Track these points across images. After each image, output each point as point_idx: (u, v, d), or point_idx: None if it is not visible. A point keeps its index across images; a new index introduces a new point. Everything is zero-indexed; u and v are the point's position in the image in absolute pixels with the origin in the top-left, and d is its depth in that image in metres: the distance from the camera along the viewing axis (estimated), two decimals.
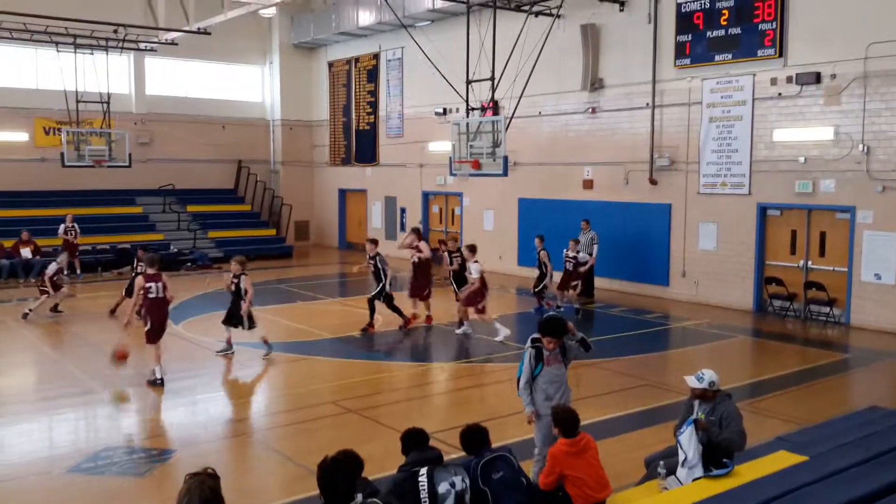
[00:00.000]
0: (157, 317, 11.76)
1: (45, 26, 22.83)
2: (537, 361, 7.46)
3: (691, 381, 6.78)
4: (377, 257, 15.40)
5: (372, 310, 15.38)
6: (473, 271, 15.03)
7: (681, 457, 6.48)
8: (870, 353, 13.95)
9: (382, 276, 15.25)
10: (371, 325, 15.40)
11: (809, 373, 12.62)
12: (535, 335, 7.51)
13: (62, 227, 22.74)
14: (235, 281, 13.18)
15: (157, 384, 11.50)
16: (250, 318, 13.21)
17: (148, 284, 11.68)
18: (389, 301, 15.41)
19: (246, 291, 13.03)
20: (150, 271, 11.93)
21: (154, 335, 11.71)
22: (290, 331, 15.79)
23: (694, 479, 6.32)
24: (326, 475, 4.50)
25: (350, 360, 13.31)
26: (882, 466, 6.23)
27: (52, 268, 17.29)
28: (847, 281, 16.12)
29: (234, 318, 13.25)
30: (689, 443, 6.43)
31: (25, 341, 14.92)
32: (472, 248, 15.58)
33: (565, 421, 6.38)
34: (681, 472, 6.45)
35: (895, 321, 15.33)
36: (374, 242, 15.74)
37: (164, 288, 11.76)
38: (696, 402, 6.83)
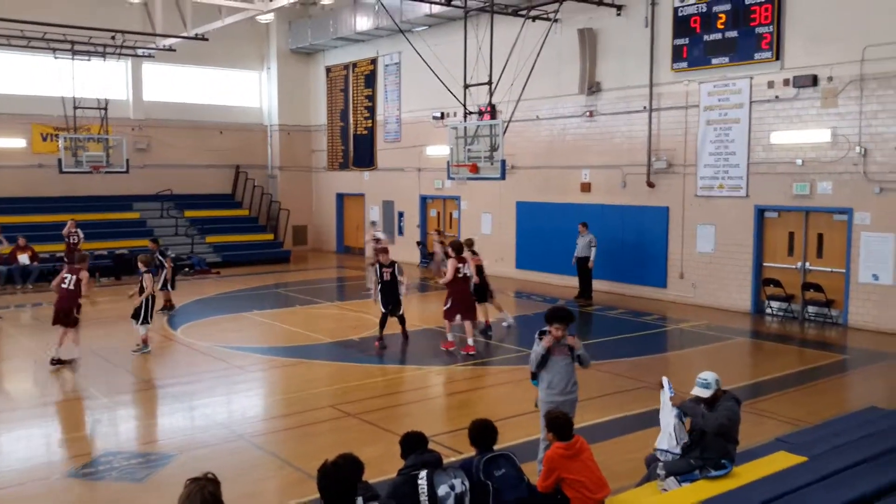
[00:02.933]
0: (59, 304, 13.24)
1: (43, 33, 22.85)
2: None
3: (700, 392, 6.70)
4: (394, 265, 14.47)
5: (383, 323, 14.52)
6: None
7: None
8: (868, 354, 13.96)
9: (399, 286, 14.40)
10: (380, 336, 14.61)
11: (808, 374, 12.64)
12: (544, 328, 7.65)
13: (65, 229, 22.75)
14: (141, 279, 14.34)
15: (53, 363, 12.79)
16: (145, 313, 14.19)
17: (65, 276, 13.28)
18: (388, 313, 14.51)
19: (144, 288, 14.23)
20: (77, 266, 13.45)
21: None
22: (288, 335, 15.80)
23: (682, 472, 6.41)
24: (327, 479, 4.51)
25: (348, 364, 13.30)
26: (881, 467, 6.25)
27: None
28: (845, 282, 16.14)
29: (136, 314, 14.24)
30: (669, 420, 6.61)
31: (24, 347, 14.91)
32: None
33: (559, 426, 6.39)
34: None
35: (893, 322, 15.36)
36: (386, 251, 14.79)
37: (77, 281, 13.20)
38: (702, 407, 6.81)
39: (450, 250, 14.68)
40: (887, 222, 15.36)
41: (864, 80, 15.49)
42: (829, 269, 16.56)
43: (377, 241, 19.37)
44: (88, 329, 16.23)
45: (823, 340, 15.30)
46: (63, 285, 13.16)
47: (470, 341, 13.89)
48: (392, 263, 14.54)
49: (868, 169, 15.58)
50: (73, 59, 23.82)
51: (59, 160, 23.70)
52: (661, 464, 6.64)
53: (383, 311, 14.41)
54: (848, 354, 14.19)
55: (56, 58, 23.91)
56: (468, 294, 14.33)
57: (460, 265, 14.06)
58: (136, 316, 14.18)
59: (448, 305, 14.09)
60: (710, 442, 6.61)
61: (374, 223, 22.89)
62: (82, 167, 23.80)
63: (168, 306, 17.75)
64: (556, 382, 7.58)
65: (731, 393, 6.84)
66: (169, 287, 17.76)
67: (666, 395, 6.87)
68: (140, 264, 14.60)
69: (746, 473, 6.35)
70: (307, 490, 7.36)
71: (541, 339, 7.62)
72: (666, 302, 19.04)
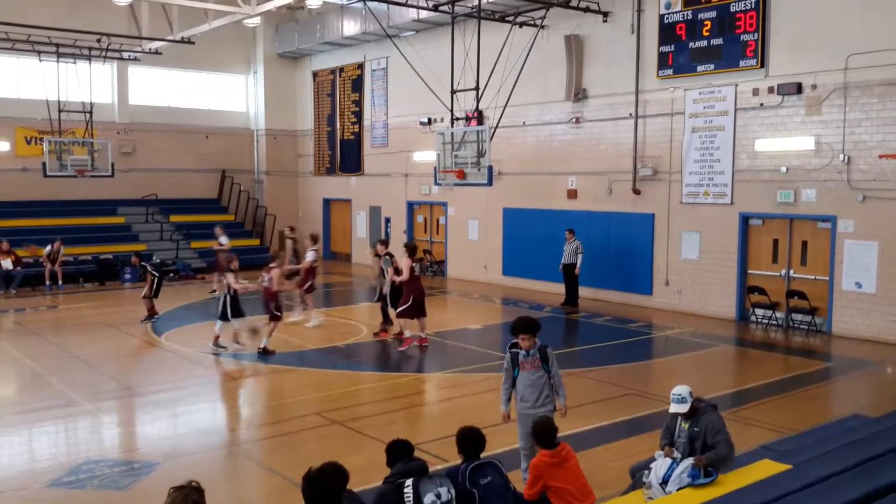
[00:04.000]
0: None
1: (28, 35, 22.72)
2: (513, 366, 7.62)
3: (677, 408, 6.71)
4: (384, 257, 15.44)
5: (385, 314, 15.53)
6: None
7: (653, 475, 6.51)
8: (851, 362, 14.05)
9: (384, 276, 15.28)
10: (384, 330, 15.58)
11: (792, 381, 12.69)
12: (514, 340, 7.65)
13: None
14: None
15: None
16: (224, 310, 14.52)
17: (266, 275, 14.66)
18: (384, 303, 15.53)
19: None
20: (273, 265, 14.84)
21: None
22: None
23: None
24: (311, 487, 4.48)
25: (334, 371, 13.26)
26: (865, 474, 6.27)
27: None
28: (829, 290, 16.24)
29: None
30: (663, 471, 6.45)
31: (6, 354, 14.74)
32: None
33: (544, 434, 6.39)
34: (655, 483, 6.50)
35: (876, 330, 15.46)
36: (385, 243, 15.97)
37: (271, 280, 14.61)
38: (679, 419, 6.83)
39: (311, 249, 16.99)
40: (870, 230, 15.47)
41: (847, 88, 15.61)
42: (813, 277, 16.66)
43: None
44: (69, 335, 16.14)
45: (807, 348, 15.38)
46: (265, 284, 14.59)
47: (422, 334, 14.81)
48: (383, 255, 15.51)
49: (852, 177, 15.69)
50: (57, 61, 23.68)
51: (44, 164, 23.54)
52: (646, 472, 6.63)
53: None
54: (832, 362, 14.27)
55: (41, 60, 23.77)
56: (422, 293, 14.91)
57: (415, 264, 14.71)
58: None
59: (406, 305, 14.53)
60: (699, 451, 6.62)
61: (221, 227, 22.56)
62: (67, 171, 23.65)
63: (150, 315, 17.55)
64: (528, 396, 7.59)
65: (707, 402, 6.86)
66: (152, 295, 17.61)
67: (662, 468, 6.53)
68: (226, 263, 15.29)
69: (731, 481, 6.36)
70: (292, 499, 7.32)
71: (511, 352, 7.66)
72: (651, 309, 19.09)
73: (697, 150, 18.21)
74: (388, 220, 27.95)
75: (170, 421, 10.74)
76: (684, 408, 6.66)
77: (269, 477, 8.57)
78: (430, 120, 24.69)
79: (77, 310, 19.45)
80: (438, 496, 5.59)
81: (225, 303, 14.30)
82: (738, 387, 12.41)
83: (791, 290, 16.86)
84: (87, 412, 10.98)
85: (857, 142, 15.59)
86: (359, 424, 10.27)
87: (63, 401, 11.40)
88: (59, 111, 23.62)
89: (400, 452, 5.93)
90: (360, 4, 24.38)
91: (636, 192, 19.51)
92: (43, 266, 22.70)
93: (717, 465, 6.47)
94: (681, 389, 6.70)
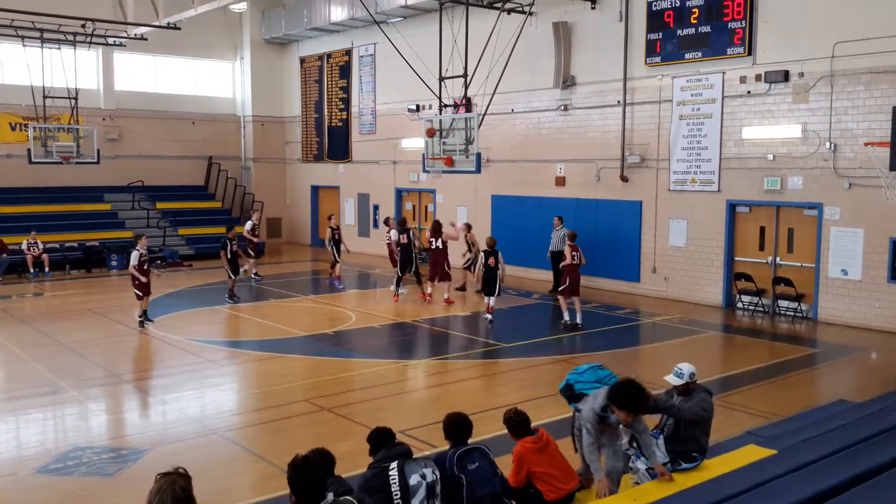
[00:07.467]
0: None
1: (11, 20, 22.43)
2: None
3: (672, 379, 6.72)
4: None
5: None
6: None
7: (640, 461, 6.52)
8: (837, 348, 14.16)
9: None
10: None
11: (778, 367, 12.79)
12: (604, 403, 6.28)
13: (249, 223, 22.56)
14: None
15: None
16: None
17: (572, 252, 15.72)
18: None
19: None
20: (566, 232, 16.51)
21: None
22: (262, 329, 15.70)
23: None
24: (296, 473, 4.47)
25: (323, 358, 13.25)
26: (849, 459, 6.33)
27: (134, 256, 15.39)
28: (815, 277, 16.34)
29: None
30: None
31: None
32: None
33: (519, 425, 6.42)
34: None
35: (861, 316, 15.58)
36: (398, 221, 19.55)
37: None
38: (674, 395, 6.83)
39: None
40: (856, 217, 15.57)
41: (834, 76, 15.66)
42: (800, 264, 16.76)
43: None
44: (55, 322, 16.05)
45: (793, 334, 15.50)
46: (574, 258, 15.60)
47: (445, 295, 17.82)
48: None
49: (838, 164, 15.77)
50: (42, 47, 23.43)
51: (29, 150, 23.32)
52: (633, 457, 6.67)
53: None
54: (817, 348, 14.38)
55: (25, 46, 23.50)
56: (439, 261, 17.68)
57: (432, 239, 17.65)
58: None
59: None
60: (683, 433, 6.66)
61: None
62: (52, 157, 23.44)
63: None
64: (609, 456, 6.64)
65: (703, 386, 6.90)
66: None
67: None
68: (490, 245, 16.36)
69: (717, 466, 6.41)
70: (280, 485, 7.31)
71: (601, 421, 6.36)
72: (639, 296, 19.16)
73: (685, 138, 18.24)
74: (376, 208, 27.90)
75: (158, 408, 10.72)
76: (677, 381, 6.69)
77: (256, 463, 8.58)
78: (418, 107, 24.62)
79: (64, 297, 19.34)
80: (424, 476, 5.66)
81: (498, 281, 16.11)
82: (725, 373, 12.49)
83: (777, 277, 16.96)
84: (74, 399, 10.95)
85: (843, 129, 15.66)
86: (347, 411, 10.28)
87: (50, 388, 11.36)
88: (44, 97, 23.39)
89: (382, 439, 5.98)
90: None
91: (624, 179, 19.54)
92: (25, 254, 22.58)
93: (673, 412, 6.55)
94: (683, 366, 6.72)
